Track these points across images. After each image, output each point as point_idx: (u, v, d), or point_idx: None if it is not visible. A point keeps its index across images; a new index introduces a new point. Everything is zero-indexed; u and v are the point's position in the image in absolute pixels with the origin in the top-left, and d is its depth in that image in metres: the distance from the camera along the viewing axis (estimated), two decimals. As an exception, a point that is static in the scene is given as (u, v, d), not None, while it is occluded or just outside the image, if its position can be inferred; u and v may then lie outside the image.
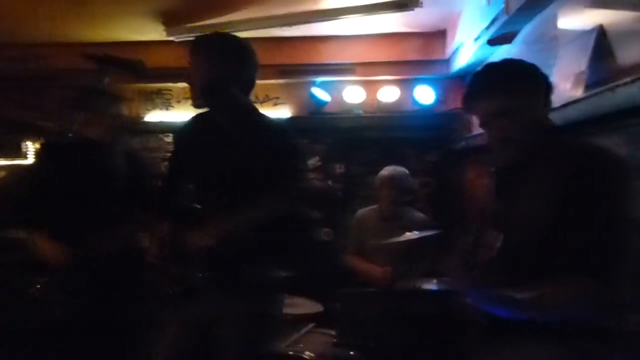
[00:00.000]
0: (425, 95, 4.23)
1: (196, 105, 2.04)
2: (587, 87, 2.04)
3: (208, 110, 2.13)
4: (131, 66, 1.48)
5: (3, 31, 3.86)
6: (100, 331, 2.70)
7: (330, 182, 1.61)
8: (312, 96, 4.29)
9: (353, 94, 4.30)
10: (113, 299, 2.74)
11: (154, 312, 2.16)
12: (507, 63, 1.57)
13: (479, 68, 3.78)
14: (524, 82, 1.49)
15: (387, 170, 3.59)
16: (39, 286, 2.62)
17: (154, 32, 3.88)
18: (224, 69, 1.95)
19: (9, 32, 3.88)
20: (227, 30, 3.62)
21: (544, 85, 1.52)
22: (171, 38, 3.80)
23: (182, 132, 2.23)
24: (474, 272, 1.46)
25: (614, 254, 1.32)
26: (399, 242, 3.14)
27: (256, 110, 2.14)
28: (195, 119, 2.20)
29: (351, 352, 2.75)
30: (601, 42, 2.02)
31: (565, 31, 2.29)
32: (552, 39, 2.43)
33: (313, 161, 4.43)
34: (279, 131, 2.04)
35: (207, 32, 2.09)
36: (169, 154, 4.47)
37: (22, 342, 2.86)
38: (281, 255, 2.19)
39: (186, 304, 2.01)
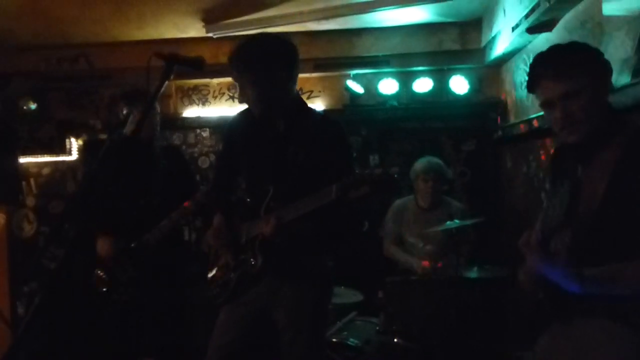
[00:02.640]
0: (460, 85, 4.22)
1: (261, 116, 2.07)
2: (635, 73, 2.04)
3: None
4: (194, 62, 1.56)
5: (53, 33, 4.00)
6: (153, 317, 2.82)
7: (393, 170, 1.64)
8: (347, 89, 4.32)
9: (387, 86, 4.32)
10: (161, 287, 2.84)
11: (207, 299, 2.23)
12: (574, 46, 1.61)
13: (515, 56, 3.78)
14: (591, 65, 1.53)
15: (421, 163, 3.61)
16: (94, 278, 2.75)
17: (194, 29, 3.96)
18: (284, 75, 1.99)
19: (59, 34, 4.02)
20: (264, 26, 3.73)
21: (607, 69, 1.57)
22: (210, 34, 3.88)
23: (231, 126, 2.26)
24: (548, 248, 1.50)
25: None
26: (438, 232, 3.18)
27: (305, 104, 2.19)
28: (244, 113, 2.23)
29: (395, 339, 2.81)
30: (649, 27, 2.01)
31: (609, 18, 2.28)
32: (596, 26, 2.42)
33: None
34: (328, 124, 2.08)
35: (247, 34, 2.06)
36: (206, 149, 4.62)
37: (85, 327, 3.00)
38: (334, 246, 2.24)
39: (242, 291, 2.07)
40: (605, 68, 1.56)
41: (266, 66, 1.94)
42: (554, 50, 1.58)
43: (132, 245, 2.75)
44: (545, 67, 1.56)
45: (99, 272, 2.74)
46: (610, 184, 1.44)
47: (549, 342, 1.63)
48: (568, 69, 1.51)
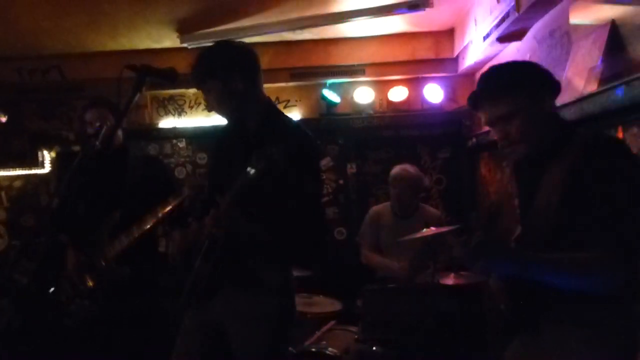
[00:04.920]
0: (434, 93, 4.28)
1: (233, 124, 2.06)
2: (602, 81, 2.09)
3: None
4: (166, 74, 1.55)
5: (25, 44, 3.94)
6: (119, 331, 2.77)
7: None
8: (323, 98, 4.35)
9: (363, 95, 4.36)
10: (129, 300, 2.79)
11: (173, 311, 2.20)
12: (510, 67, 1.63)
13: (487, 65, 3.85)
14: (526, 86, 1.54)
15: (396, 170, 3.64)
16: (52, 289, 2.70)
17: (168, 40, 3.94)
18: (240, 84, 1.94)
19: (31, 44, 3.95)
20: (238, 36, 3.72)
21: (546, 83, 1.56)
22: (184, 45, 3.86)
23: (214, 139, 2.25)
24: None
25: (625, 229, 1.36)
26: (416, 239, 3.20)
27: (277, 111, 2.18)
28: (228, 124, 2.20)
29: (374, 348, 2.81)
30: (614, 37, 2.07)
31: (577, 27, 2.34)
32: (564, 35, 2.48)
33: (325, 162, 4.50)
34: (294, 131, 2.03)
35: (213, 43, 2.01)
36: (183, 159, 4.59)
37: (46, 342, 2.93)
38: (296, 255, 2.20)
39: (197, 298, 2.00)
40: (542, 83, 1.56)
41: (220, 77, 1.91)
42: (490, 74, 1.60)
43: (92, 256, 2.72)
44: (482, 90, 1.59)
45: (64, 284, 2.71)
46: (562, 196, 1.45)
47: (518, 350, 1.64)
48: (502, 92, 1.53)
